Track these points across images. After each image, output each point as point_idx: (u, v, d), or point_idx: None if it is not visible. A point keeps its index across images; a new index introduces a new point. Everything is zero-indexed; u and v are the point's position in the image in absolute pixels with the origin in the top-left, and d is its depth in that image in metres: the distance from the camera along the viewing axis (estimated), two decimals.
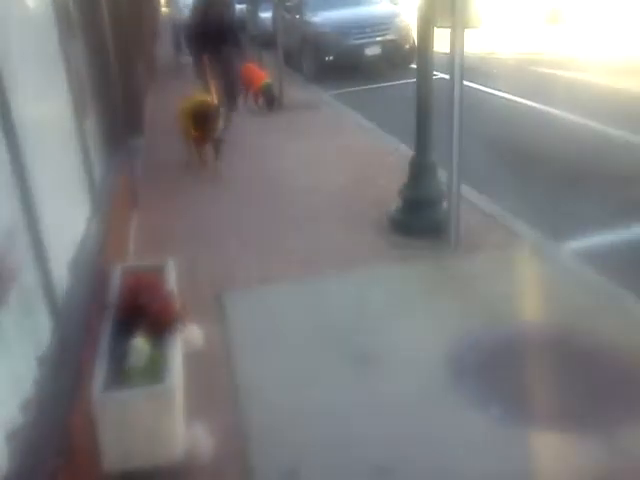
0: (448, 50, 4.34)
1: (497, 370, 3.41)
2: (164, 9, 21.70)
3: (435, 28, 4.66)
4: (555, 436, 2.92)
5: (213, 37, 8.65)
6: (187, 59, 14.37)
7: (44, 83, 3.46)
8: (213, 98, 7.42)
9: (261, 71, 10.81)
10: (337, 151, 7.71)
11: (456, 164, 4.55)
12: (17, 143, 2.44)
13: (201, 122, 6.96)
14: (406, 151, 6.44)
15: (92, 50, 5.13)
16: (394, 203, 5.28)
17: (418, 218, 5.08)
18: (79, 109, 4.03)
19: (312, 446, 2.96)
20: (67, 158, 3.73)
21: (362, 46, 13.00)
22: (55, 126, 3.57)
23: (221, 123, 7.11)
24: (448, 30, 4.30)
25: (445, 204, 4.86)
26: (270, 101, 10.23)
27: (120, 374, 2.70)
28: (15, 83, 2.53)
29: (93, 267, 3.30)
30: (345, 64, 12.93)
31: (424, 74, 4.83)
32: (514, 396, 3.17)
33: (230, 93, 8.89)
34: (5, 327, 2.05)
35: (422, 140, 5.00)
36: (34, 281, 2.49)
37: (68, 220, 3.43)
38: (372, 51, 13.09)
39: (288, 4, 14.52)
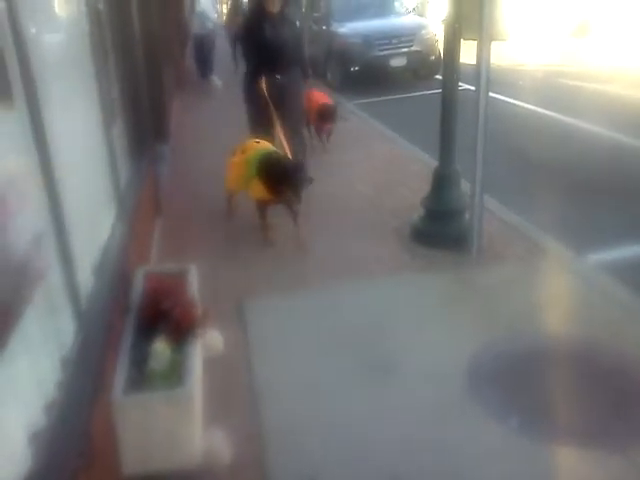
0: (474, 62, 4.34)
1: (517, 382, 3.38)
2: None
3: (462, 40, 4.67)
4: (572, 449, 2.88)
5: (274, 54, 6.05)
6: (217, 82, 13.99)
7: (73, 89, 3.51)
8: (284, 146, 5.54)
9: (321, 93, 8.57)
10: (360, 160, 7.72)
11: (479, 175, 4.54)
12: (47, 149, 2.48)
13: (281, 185, 5.04)
14: (430, 161, 6.43)
15: (121, 57, 5.20)
16: (416, 213, 5.28)
17: (440, 228, 5.07)
18: (107, 115, 4.09)
19: (330, 453, 2.95)
20: (94, 163, 3.78)
21: (387, 57, 13.02)
22: (83, 132, 3.62)
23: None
24: (474, 42, 4.30)
25: (468, 215, 4.84)
26: (325, 127, 8.16)
27: (141, 378, 2.72)
28: (46, 90, 2.58)
29: (117, 271, 3.33)
30: (370, 74, 12.97)
31: (449, 85, 4.83)
32: (533, 408, 3.14)
33: (295, 131, 6.35)
34: (30, 328, 2.08)
35: (446, 150, 5.00)
36: (59, 283, 2.53)
37: (93, 224, 3.47)
38: (397, 62, 13.11)
39: (315, 15, 14.60)
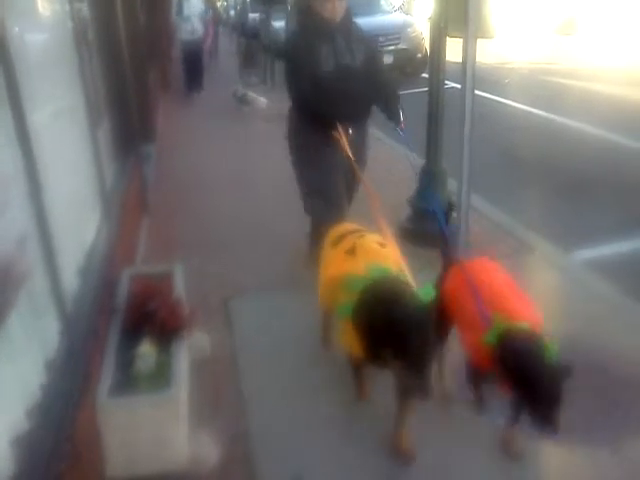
0: (460, 59, 4.34)
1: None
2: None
3: (448, 38, 4.67)
4: (560, 445, 2.89)
5: (342, 92, 3.91)
6: (261, 101, 10.73)
7: (57, 89, 3.48)
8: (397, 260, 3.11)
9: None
10: None
11: (466, 173, 4.54)
12: (30, 149, 2.46)
13: (388, 347, 2.59)
14: (416, 160, 6.43)
15: (107, 57, 5.18)
16: (403, 211, 5.27)
17: (427, 226, 5.07)
18: (92, 115, 4.06)
19: (317, 454, 2.95)
20: (79, 163, 3.76)
21: None
22: (68, 132, 3.59)
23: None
24: (460, 40, 4.30)
25: (455, 213, 4.84)
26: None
27: (127, 380, 2.71)
28: (30, 90, 2.56)
29: (102, 273, 3.32)
30: None
31: (436, 83, 4.84)
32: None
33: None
34: (14, 331, 2.06)
35: (432, 149, 5.00)
36: (44, 286, 2.51)
37: (79, 225, 3.45)
38: (384, 60, 13.10)
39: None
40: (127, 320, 3.08)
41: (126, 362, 2.78)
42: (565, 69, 13.27)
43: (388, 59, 13.08)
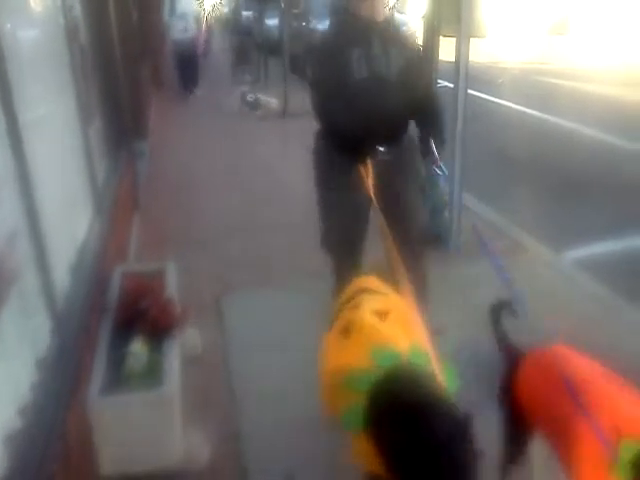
0: (453, 59, 4.35)
1: (493, 379, 3.38)
2: None
3: (441, 37, 4.68)
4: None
5: (379, 105, 3.14)
6: (272, 102, 10.81)
7: (49, 86, 3.47)
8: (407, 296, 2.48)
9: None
10: None
11: (458, 173, 4.56)
12: (21, 145, 2.45)
13: (413, 465, 1.79)
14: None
15: (99, 54, 5.16)
16: None
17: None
18: (84, 112, 4.05)
19: (309, 452, 2.95)
20: (70, 160, 3.74)
21: None
22: (59, 128, 3.58)
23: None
24: (453, 39, 4.31)
25: (447, 212, 4.85)
26: None
27: (118, 378, 2.70)
28: (21, 86, 2.54)
29: (93, 270, 3.30)
30: None
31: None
32: None
33: (414, 257, 3.34)
34: (4, 330, 2.05)
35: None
36: (34, 283, 2.49)
37: (70, 222, 3.43)
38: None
39: (295, 11, 14.56)
40: (119, 318, 3.07)
41: (118, 360, 2.77)
42: (557, 69, 13.32)
43: None
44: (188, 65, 12.35)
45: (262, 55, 14.17)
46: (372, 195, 3.08)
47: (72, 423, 2.33)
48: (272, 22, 15.83)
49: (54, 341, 2.53)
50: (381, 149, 3.24)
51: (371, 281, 2.73)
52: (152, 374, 2.70)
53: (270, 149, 8.33)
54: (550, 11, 19.52)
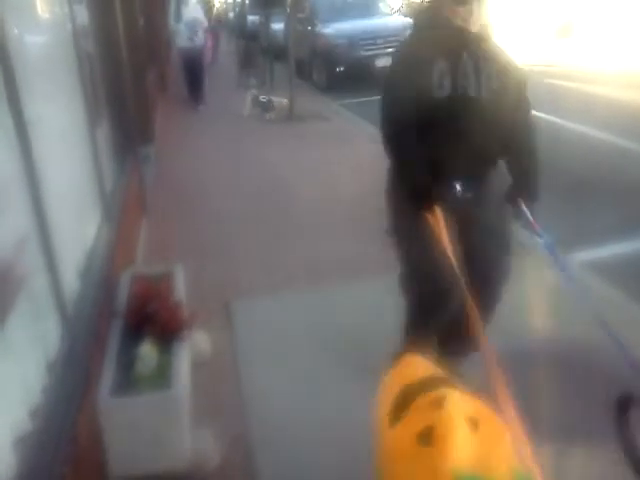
0: None
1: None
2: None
3: None
4: (555, 446, 2.89)
5: (466, 134, 2.62)
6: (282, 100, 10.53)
7: (57, 91, 3.49)
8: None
9: None
10: (346, 160, 7.71)
11: None
12: (30, 151, 2.47)
13: None
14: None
15: (106, 59, 5.18)
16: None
17: None
18: (92, 117, 4.07)
19: (317, 457, 2.94)
20: (79, 164, 3.76)
21: (372, 57, 13.03)
22: (68, 133, 3.60)
23: None
24: None
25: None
26: None
27: (128, 381, 2.71)
28: (29, 92, 2.56)
29: (102, 274, 3.32)
30: (356, 75, 12.98)
31: None
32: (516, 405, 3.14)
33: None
34: (15, 333, 2.07)
35: None
36: (44, 287, 2.51)
37: (78, 227, 3.45)
38: (382, 62, 13.10)
39: (300, 16, 14.60)
40: (128, 321, 3.08)
41: (127, 363, 2.78)
42: (564, 71, 13.28)
43: (386, 62, 13.10)
44: (194, 77, 11.90)
45: (268, 59, 14.21)
46: (446, 247, 2.48)
47: (82, 425, 2.34)
48: (278, 26, 15.86)
49: (64, 344, 2.54)
50: (458, 187, 2.72)
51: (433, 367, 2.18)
52: (161, 376, 2.71)
53: (278, 153, 8.34)
54: (556, 14, 19.50)
